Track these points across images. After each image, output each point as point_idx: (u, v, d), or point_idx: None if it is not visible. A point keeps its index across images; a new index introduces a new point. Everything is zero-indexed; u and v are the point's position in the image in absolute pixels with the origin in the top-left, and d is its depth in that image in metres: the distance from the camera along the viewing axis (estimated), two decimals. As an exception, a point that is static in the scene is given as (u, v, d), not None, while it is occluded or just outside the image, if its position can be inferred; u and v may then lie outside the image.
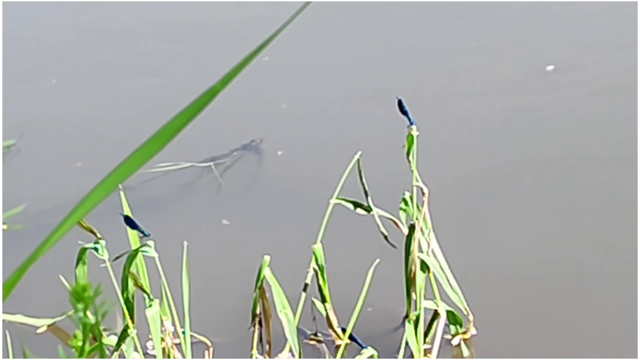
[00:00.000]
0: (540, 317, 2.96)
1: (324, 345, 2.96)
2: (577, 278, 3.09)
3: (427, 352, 2.84)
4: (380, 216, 2.87)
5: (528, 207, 3.41)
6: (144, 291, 2.63)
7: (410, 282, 2.83)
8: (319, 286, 2.84)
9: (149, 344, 2.96)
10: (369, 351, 2.69)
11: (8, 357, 2.79)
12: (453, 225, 3.29)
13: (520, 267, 3.15)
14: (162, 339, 2.65)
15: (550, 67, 4.17)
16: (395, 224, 2.85)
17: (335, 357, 2.82)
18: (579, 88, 4.03)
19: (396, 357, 2.76)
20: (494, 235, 3.29)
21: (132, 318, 2.67)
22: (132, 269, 2.63)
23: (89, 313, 0.96)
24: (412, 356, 2.78)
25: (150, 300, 2.62)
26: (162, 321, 2.64)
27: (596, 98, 3.97)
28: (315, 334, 2.97)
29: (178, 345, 2.77)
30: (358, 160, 2.80)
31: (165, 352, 2.66)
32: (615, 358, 2.78)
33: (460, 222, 3.35)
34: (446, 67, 4.29)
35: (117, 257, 2.63)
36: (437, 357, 2.84)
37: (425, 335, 2.86)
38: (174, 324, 2.70)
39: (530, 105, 3.98)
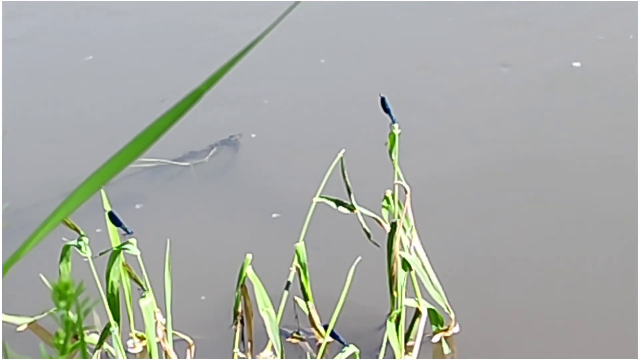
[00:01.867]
0: (522, 315, 2.97)
1: (306, 343, 2.96)
2: (562, 276, 3.10)
3: (409, 349, 2.85)
4: (363, 214, 2.87)
5: (512, 205, 3.42)
6: (139, 283, 2.63)
7: (392, 280, 2.84)
8: (302, 284, 2.84)
9: (129, 342, 2.95)
10: (350, 349, 2.69)
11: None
12: (436, 222, 3.30)
13: (503, 264, 3.16)
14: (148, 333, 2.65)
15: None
16: (379, 222, 2.85)
17: (317, 355, 2.82)
18: (579, 88, 4.04)
19: (378, 355, 2.77)
20: (478, 233, 3.30)
21: (116, 315, 2.67)
22: (119, 264, 2.64)
23: (70, 311, 0.96)
24: (393, 354, 2.78)
25: (145, 290, 2.62)
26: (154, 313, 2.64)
27: (589, 99, 3.98)
28: (298, 332, 2.97)
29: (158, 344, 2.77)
30: (341, 158, 2.80)
31: (158, 345, 2.66)
32: (612, 358, 2.80)
33: (444, 219, 3.36)
34: (435, 64, 4.30)
35: (102, 254, 2.63)
36: (419, 354, 2.85)
37: (408, 333, 2.87)
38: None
39: (520, 103, 3.99)
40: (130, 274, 2.66)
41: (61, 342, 1.00)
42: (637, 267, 3.08)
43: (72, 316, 0.97)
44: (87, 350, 2.71)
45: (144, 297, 2.62)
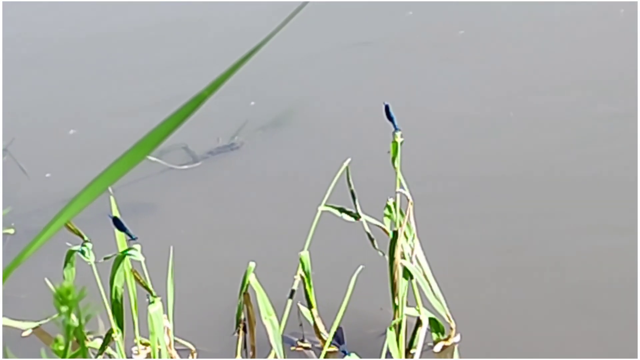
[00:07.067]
0: (523, 325, 2.98)
1: (312, 352, 2.96)
2: (564, 285, 3.10)
3: (409, 358, 2.85)
4: (368, 222, 2.86)
5: (515, 215, 3.42)
6: (147, 288, 2.62)
7: (394, 289, 2.84)
8: (306, 292, 2.84)
9: (134, 348, 2.96)
10: (351, 357, 2.69)
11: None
12: (438, 231, 3.30)
13: (504, 273, 3.17)
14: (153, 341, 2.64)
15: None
16: (385, 230, 2.84)
17: (319, 362, 2.83)
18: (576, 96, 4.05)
19: (378, 364, 2.77)
20: (481, 241, 3.30)
21: (119, 321, 2.67)
22: (125, 270, 2.64)
23: (72, 316, 0.97)
24: (393, 362, 2.78)
25: (153, 297, 2.60)
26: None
27: (594, 111, 3.99)
28: (303, 340, 2.98)
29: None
30: (347, 167, 2.79)
31: (163, 353, 2.66)
32: (613, 359, 2.80)
33: (446, 227, 3.36)
34: (446, 73, 4.31)
35: (107, 258, 2.63)
36: (419, 364, 2.85)
37: (411, 341, 2.87)
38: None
39: (522, 111, 3.99)
40: (138, 279, 2.65)
41: (61, 347, 1.00)
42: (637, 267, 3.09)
43: (74, 321, 0.97)
44: (90, 355, 2.72)
45: (152, 303, 2.60)
